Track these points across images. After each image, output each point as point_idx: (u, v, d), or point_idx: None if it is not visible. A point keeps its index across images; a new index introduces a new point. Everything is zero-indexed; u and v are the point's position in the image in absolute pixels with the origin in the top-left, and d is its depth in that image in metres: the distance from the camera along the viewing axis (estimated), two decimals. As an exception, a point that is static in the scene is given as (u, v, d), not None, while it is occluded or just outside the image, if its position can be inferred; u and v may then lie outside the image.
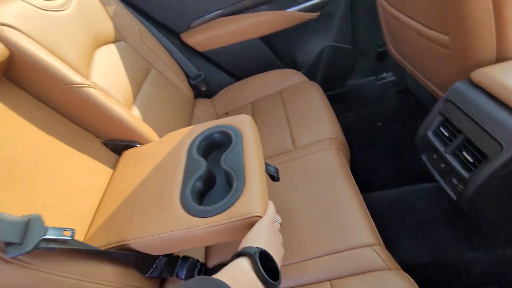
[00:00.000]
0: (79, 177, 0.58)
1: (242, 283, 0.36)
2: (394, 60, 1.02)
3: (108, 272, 0.48)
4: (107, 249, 0.49)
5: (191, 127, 0.67)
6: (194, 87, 1.21)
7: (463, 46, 0.60)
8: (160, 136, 0.76)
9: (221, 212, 0.47)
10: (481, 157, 0.52)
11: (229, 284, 0.33)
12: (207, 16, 1.13)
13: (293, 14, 1.13)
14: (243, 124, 0.62)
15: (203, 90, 1.24)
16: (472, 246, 0.75)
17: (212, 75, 1.27)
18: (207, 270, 0.69)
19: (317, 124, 0.90)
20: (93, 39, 0.77)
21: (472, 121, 0.55)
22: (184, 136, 0.65)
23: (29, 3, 0.62)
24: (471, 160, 0.55)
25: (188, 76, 1.19)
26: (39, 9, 0.63)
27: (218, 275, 0.36)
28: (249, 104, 1.16)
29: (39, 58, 0.56)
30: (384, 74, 1.34)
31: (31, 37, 0.57)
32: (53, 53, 0.60)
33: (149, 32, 1.03)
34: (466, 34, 0.58)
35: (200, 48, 1.18)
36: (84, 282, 0.44)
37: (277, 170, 0.65)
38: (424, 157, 0.72)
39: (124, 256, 0.50)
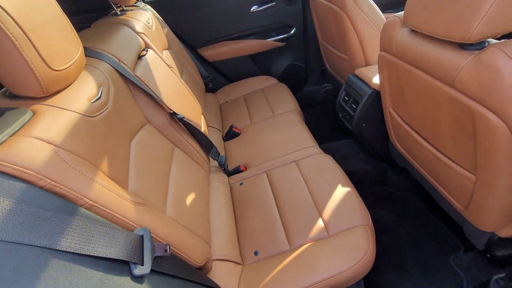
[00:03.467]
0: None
1: None
2: (330, 74, 1.76)
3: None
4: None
5: None
6: (204, 84, 1.81)
7: (351, 60, 1.33)
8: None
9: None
10: (357, 104, 1.22)
11: None
12: (216, 39, 1.78)
13: (269, 42, 1.84)
14: None
15: (210, 87, 1.85)
16: (367, 162, 1.44)
17: (215, 77, 1.89)
18: (229, 171, 1.25)
19: (285, 102, 1.56)
20: (161, 44, 1.35)
21: (353, 89, 1.25)
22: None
23: None
24: (354, 106, 1.24)
25: (201, 76, 1.79)
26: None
27: None
28: (241, 96, 1.79)
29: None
30: (325, 84, 2.10)
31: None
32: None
33: (183, 46, 1.64)
34: (353, 56, 1.31)
35: (210, 59, 1.81)
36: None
37: None
38: (340, 115, 1.41)
39: (197, 132, 1.06)
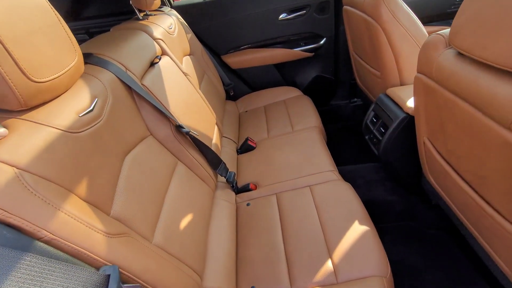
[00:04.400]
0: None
1: None
2: (360, 89, 1.61)
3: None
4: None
5: None
6: (225, 91, 1.75)
7: (384, 77, 1.18)
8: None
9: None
10: (386, 128, 1.07)
11: None
12: (241, 46, 1.72)
13: (296, 52, 1.73)
14: None
15: (231, 95, 1.79)
16: (394, 192, 1.27)
17: (237, 85, 1.83)
18: (237, 188, 1.17)
19: (307, 117, 1.45)
20: (182, 50, 1.32)
21: (383, 110, 1.10)
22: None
23: None
24: (383, 130, 1.09)
25: (223, 83, 1.74)
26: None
27: None
28: (262, 106, 1.70)
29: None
30: (355, 99, 1.94)
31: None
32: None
33: (205, 51, 1.60)
34: (387, 73, 1.17)
35: (233, 66, 1.75)
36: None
37: None
38: (366, 137, 1.27)
39: (204, 147, 0.98)
